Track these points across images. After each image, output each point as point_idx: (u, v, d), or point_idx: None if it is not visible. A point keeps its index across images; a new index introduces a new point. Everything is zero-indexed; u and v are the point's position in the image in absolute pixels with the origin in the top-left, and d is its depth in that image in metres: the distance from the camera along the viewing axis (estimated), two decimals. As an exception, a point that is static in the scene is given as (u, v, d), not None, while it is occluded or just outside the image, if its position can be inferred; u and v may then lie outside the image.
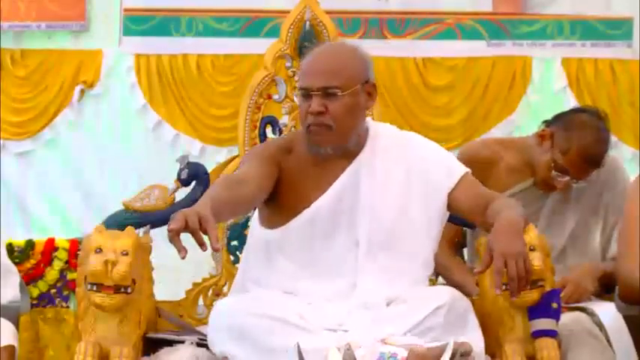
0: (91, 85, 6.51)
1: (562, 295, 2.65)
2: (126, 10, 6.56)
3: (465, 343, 2.28)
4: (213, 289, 2.96)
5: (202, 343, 2.54)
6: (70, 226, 6.24)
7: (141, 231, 2.73)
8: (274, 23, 6.20)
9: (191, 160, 2.90)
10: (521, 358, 2.44)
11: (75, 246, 4.23)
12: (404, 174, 2.63)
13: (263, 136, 3.03)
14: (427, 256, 2.63)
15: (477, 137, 6.25)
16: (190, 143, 6.44)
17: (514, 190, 3.08)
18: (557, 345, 2.46)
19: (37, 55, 6.55)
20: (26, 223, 6.41)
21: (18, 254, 4.23)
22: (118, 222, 2.65)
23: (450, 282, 3.04)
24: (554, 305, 2.45)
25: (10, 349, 2.81)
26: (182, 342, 2.56)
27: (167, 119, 6.50)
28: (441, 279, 3.14)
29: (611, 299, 2.95)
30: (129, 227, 2.43)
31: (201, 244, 2.22)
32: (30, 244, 4.29)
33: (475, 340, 2.38)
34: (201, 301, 2.93)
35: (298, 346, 2.24)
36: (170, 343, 2.57)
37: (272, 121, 3.04)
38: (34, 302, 4.22)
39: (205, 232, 2.21)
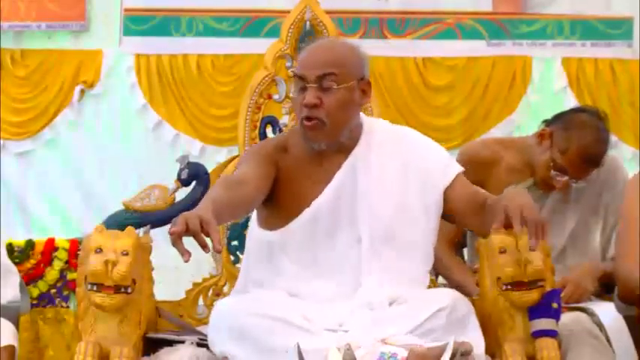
0: (91, 85, 6.51)
1: (562, 295, 2.65)
2: (126, 10, 6.56)
3: (465, 343, 2.28)
4: (213, 289, 2.96)
5: (202, 343, 2.53)
6: (70, 226, 6.24)
7: (141, 231, 2.73)
8: (274, 23, 6.21)
9: (191, 160, 2.90)
10: (522, 358, 2.44)
11: (75, 246, 4.23)
12: (400, 168, 2.63)
13: (263, 136, 3.03)
14: (427, 250, 2.64)
15: (477, 137, 6.26)
16: (190, 143, 6.44)
17: (513, 191, 3.08)
18: (557, 345, 2.46)
19: (37, 55, 6.55)
20: (26, 223, 6.41)
21: (18, 254, 4.23)
22: (118, 222, 2.65)
23: (450, 282, 3.04)
24: (555, 305, 2.45)
25: (10, 349, 2.81)
26: (182, 342, 2.56)
27: (167, 119, 6.51)
28: (441, 279, 3.14)
29: (611, 299, 2.95)
30: (129, 227, 2.43)
31: (204, 246, 2.22)
32: (30, 244, 4.29)
33: (475, 340, 2.38)
34: (201, 301, 2.93)
35: (298, 347, 2.24)
36: (170, 343, 2.56)
37: (272, 121, 3.04)
38: (34, 302, 4.22)
39: (207, 235, 2.21)
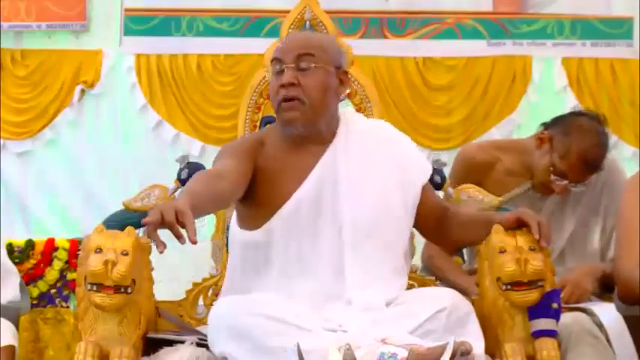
0: (92, 85, 6.51)
1: (562, 295, 2.65)
2: (126, 10, 6.56)
3: (465, 343, 2.28)
4: (213, 289, 2.96)
5: (202, 343, 2.53)
6: (70, 226, 6.24)
7: (141, 231, 2.72)
8: (274, 23, 6.20)
9: (191, 160, 2.90)
10: (522, 358, 2.44)
11: (75, 246, 4.24)
12: (380, 160, 2.64)
13: (263, 136, 3.02)
14: (406, 242, 2.64)
15: (477, 137, 6.26)
16: (190, 143, 6.44)
17: (512, 193, 3.08)
18: (557, 345, 2.46)
19: (37, 55, 6.55)
20: (26, 223, 6.41)
21: (18, 254, 4.24)
22: (118, 222, 2.65)
23: (445, 282, 3.04)
24: (555, 305, 2.45)
25: (10, 349, 2.81)
26: (182, 342, 2.56)
27: (167, 119, 6.50)
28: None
29: (611, 299, 2.95)
30: (129, 227, 2.43)
31: (179, 237, 2.19)
32: (30, 244, 4.30)
33: (475, 340, 2.38)
34: (201, 301, 2.93)
35: (298, 347, 2.24)
36: (170, 343, 2.56)
37: (272, 121, 3.04)
38: (34, 302, 4.23)
39: (183, 226, 2.19)
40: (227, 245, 2.99)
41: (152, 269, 2.56)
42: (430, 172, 2.71)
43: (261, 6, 6.45)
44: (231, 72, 6.45)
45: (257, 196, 2.59)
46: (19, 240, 4.33)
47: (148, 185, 2.86)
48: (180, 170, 2.87)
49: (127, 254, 2.34)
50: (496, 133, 6.31)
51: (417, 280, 2.92)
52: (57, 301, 4.30)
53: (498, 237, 2.47)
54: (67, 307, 4.29)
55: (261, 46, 3.22)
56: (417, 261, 3.11)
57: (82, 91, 6.52)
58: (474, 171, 3.09)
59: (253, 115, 3.02)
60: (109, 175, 6.43)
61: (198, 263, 3.05)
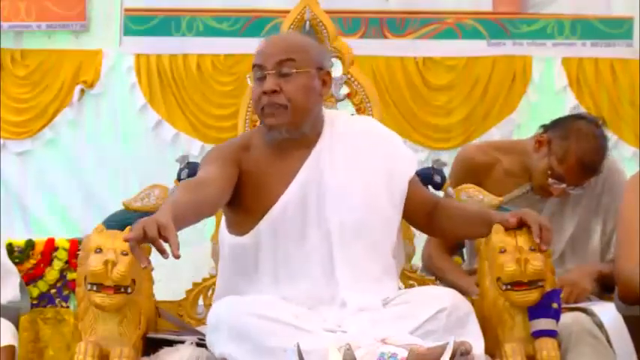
0: (91, 85, 6.51)
1: (561, 295, 2.65)
2: (126, 10, 6.56)
3: (465, 342, 2.27)
4: (213, 289, 2.95)
5: (202, 343, 2.53)
6: (70, 226, 6.24)
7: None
8: (274, 23, 6.20)
9: (191, 160, 2.89)
10: (522, 358, 2.44)
11: (75, 246, 4.24)
12: (365, 159, 2.63)
13: (263, 136, 3.02)
14: (394, 239, 2.64)
15: (477, 137, 6.27)
16: (190, 143, 6.44)
17: (512, 195, 3.08)
18: (557, 345, 2.46)
19: (37, 55, 6.55)
20: (26, 223, 6.41)
21: (18, 254, 4.24)
22: (118, 222, 2.65)
23: (444, 282, 3.04)
24: (555, 305, 2.45)
25: (10, 349, 2.81)
26: (182, 342, 2.56)
27: (167, 119, 6.50)
28: (440, 279, 3.14)
29: (611, 299, 2.95)
30: (129, 227, 2.43)
31: (162, 252, 2.17)
32: (30, 244, 4.30)
33: (475, 341, 2.38)
34: (201, 301, 2.93)
35: (298, 347, 2.24)
36: (170, 343, 2.56)
37: (272, 121, 3.04)
38: (34, 302, 4.23)
39: (166, 240, 2.17)
40: (227, 245, 3.00)
41: (152, 269, 2.56)
42: (415, 166, 2.71)
43: (261, 6, 6.45)
44: (231, 72, 6.45)
45: (244, 200, 2.59)
46: (19, 240, 4.33)
47: (147, 185, 2.86)
48: (180, 170, 2.87)
49: (126, 254, 2.34)
50: (496, 133, 6.31)
51: (417, 280, 2.92)
52: (57, 301, 4.30)
53: (498, 237, 2.47)
54: (67, 307, 4.29)
55: (261, 46, 3.21)
56: (417, 261, 3.11)
57: (82, 91, 6.52)
58: (474, 172, 3.09)
59: (253, 115, 3.02)
60: (108, 175, 6.44)
61: (198, 263, 3.05)
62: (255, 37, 6.32)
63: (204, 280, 2.95)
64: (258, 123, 3.04)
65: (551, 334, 2.45)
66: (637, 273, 2.72)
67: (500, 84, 6.45)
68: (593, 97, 6.34)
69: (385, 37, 6.49)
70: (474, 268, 3.03)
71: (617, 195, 3.08)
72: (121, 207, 2.81)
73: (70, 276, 4.28)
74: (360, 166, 2.61)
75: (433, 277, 3.04)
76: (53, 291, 4.30)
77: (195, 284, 2.95)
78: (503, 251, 2.43)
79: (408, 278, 2.91)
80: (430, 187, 2.85)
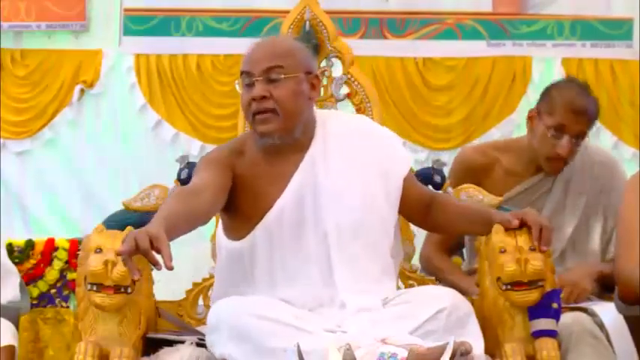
0: (91, 85, 6.51)
1: (561, 295, 2.66)
2: (126, 10, 6.56)
3: (465, 342, 2.27)
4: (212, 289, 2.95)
5: (202, 343, 2.53)
6: (70, 226, 6.24)
7: (141, 231, 2.72)
8: (274, 23, 6.20)
9: (191, 159, 2.89)
10: (521, 358, 2.44)
11: (75, 246, 4.24)
12: (360, 158, 2.63)
13: (263, 136, 3.02)
14: (392, 239, 2.63)
15: (477, 137, 6.27)
16: (190, 143, 6.44)
17: (511, 194, 3.08)
18: (557, 345, 2.46)
19: (37, 55, 6.55)
20: (26, 223, 6.41)
21: (18, 254, 4.24)
22: (117, 222, 2.65)
23: (443, 282, 3.03)
24: (555, 305, 2.45)
25: (10, 349, 2.81)
26: (182, 342, 2.56)
27: (167, 119, 6.50)
28: (440, 279, 3.14)
29: (611, 299, 2.95)
30: (129, 227, 2.43)
31: (155, 264, 2.17)
32: (30, 244, 4.30)
33: (475, 341, 2.38)
34: (201, 301, 2.93)
35: (298, 347, 2.24)
36: (170, 343, 2.56)
37: (272, 121, 3.03)
38: (34, 302, 4.23)
39: (158, 251, 2.16)
40: (227, 245, 2.99)
41: (152, 269, 2.56)
42: (410, 162, 2.70)
43: (261, 6, 6.45)
44: (230, 72, 6.44)
45: (239, 205, 2.58)
46: (19, 240, 4.33)
47: (147, 185, 2.86)
48: (180, 170, 2.87)
49: (127, 254, 2.34)
50: (496, 133, 6.31)
51: (416, 279, 2.92)
52: (57, 301, 4.30)
53: (498, 237, 2.47)
54: (67, 307, 4.29)
55: (261, 46, 3.21)
56: (417, 261, 3.11)
57: (82, 91, 6.52)
58: (473, 174, 3.09)
59: (253, 115, 3.02)
60: (108, 175, 6.44)
61: (198, 263, 3.05)
62: (255, 38, 6.31)
63: (204, 280, 2.95)
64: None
65: (551, 334, 2.45)
66: (637, 273, 2.72)
67: (500, 84, 6.45)
68: (593, 98, 6.33)
69: (385, 37, 6.49)
70: (473, 268, 3.03)
71: (617, 194, 3.07)
72: (120, 207, 2.81)
73: (70, 276, 4.28)
74: (354, 166, 2.61)
75: (433, 277, 3.04)
76: (53, 291, 4.30)
77: (195, 284, 2.95)
78: (503, 251, 2.43)
79: (407, 278, 2.91)
80: (430, 187, 2.85)
